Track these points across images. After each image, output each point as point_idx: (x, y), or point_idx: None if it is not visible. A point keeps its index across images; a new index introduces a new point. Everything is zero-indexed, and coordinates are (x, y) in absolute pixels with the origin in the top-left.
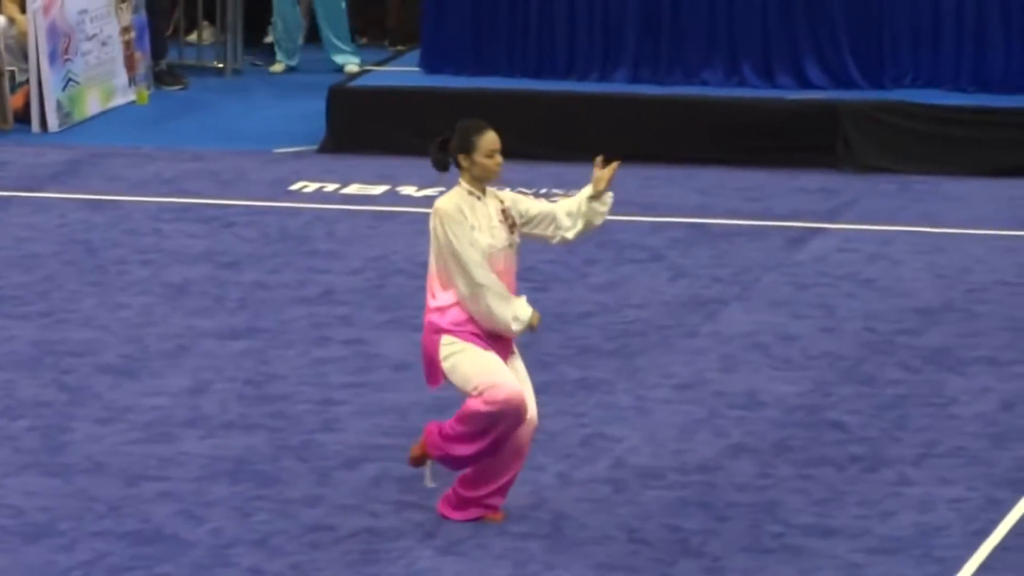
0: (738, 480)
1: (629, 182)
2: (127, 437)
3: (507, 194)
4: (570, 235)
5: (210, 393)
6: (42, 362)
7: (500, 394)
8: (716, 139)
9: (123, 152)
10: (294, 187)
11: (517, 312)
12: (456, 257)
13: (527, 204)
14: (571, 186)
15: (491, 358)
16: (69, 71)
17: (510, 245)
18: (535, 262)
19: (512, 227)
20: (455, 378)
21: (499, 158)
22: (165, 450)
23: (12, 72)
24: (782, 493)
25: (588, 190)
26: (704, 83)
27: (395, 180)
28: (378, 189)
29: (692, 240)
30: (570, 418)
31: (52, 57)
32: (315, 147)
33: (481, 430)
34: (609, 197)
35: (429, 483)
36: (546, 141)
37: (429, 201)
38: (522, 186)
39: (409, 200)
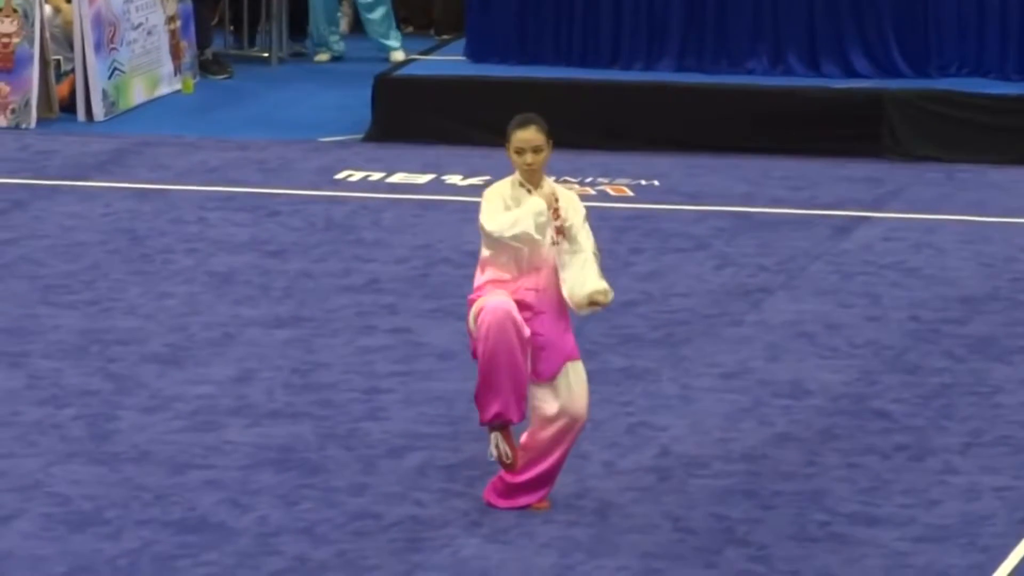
0: (783, 469)
1: (674, 171)
2: (173, 426)
3: (572, 200)
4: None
5: (256, 382)
6: (88, 351)
7: (483, 306)
8: (761, 128)
9: (168, 141)
10: (339, 176)
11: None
12: (482, 229)
13: (577, 228)
14: (617, 175)
15: (495, 294)
16: (115, 60)
17: (554, 243)
18: None
19: (560, 230)
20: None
21: (529, 157)
22: (211, 439)
23: (58, 61)
24: (828, 482)
25: (588, 291)
26: (749, 72)
27: (440, 169)
28: (423, 178)
29: (737, 229)
30: (615, 407)
31: (98, 46)
32: (360, 136)
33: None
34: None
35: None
36: (591, 130)
37: (474, 190)
38: (568, 175)
39: (454, 189)
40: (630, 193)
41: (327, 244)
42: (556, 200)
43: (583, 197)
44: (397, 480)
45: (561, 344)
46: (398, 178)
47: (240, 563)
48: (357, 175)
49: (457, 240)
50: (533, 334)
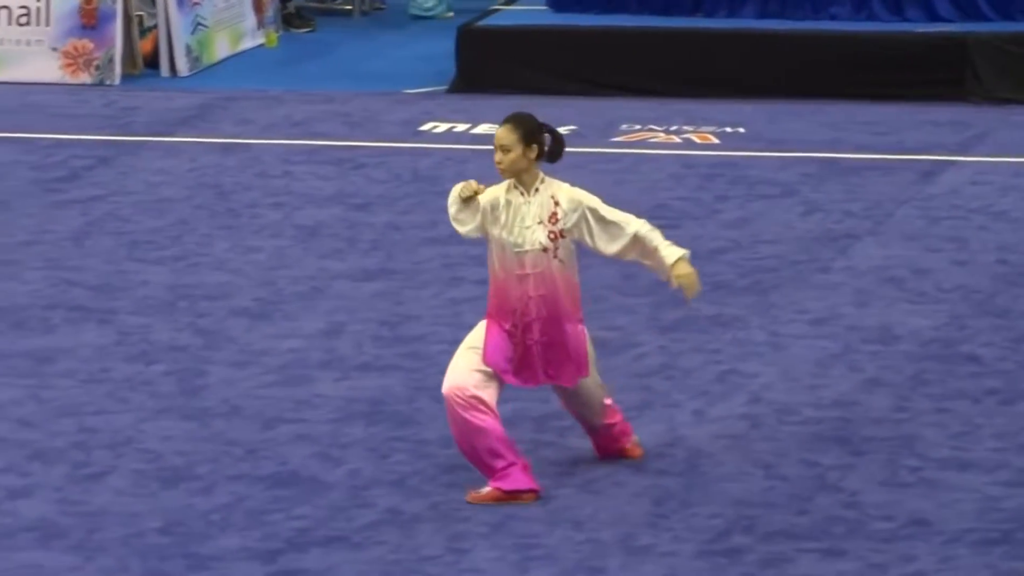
0: (874, 414)
1: (758, 118)
2: (263, 380)
3: (578, 200)
4: (612, 252)
5: (345, 335)
6: (177, 306)
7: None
8: (845, 73)
9: (253, 95)
10: (424, 128)
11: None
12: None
13: (603, 212)
14: (701, 123)
15: (464, 353)
16: (197, 15)
17: (544, 250)
18: (666, 199)
19: (553, 235)
20: None
21: (497, 155)
22: (301, 392)
23: (141, 17)
24: (918, 427)
25: (669, 261)
26: (833, 17)
27: None
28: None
29: (823, 175)
30: (705, 355)
31: (180, 1)
32: (445, 87)
33: None
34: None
35: None
36: (675, 78)
37: None
38: (653, 124)
39: None
40: (715, 141)
41: (413, 196)
42: (557, 205)
43: (668, 145)
44: None
45: (573, 350)
46: (483, 129)
47: (332, 516)
48: (442, 126)
49: None
50: (536, 341)
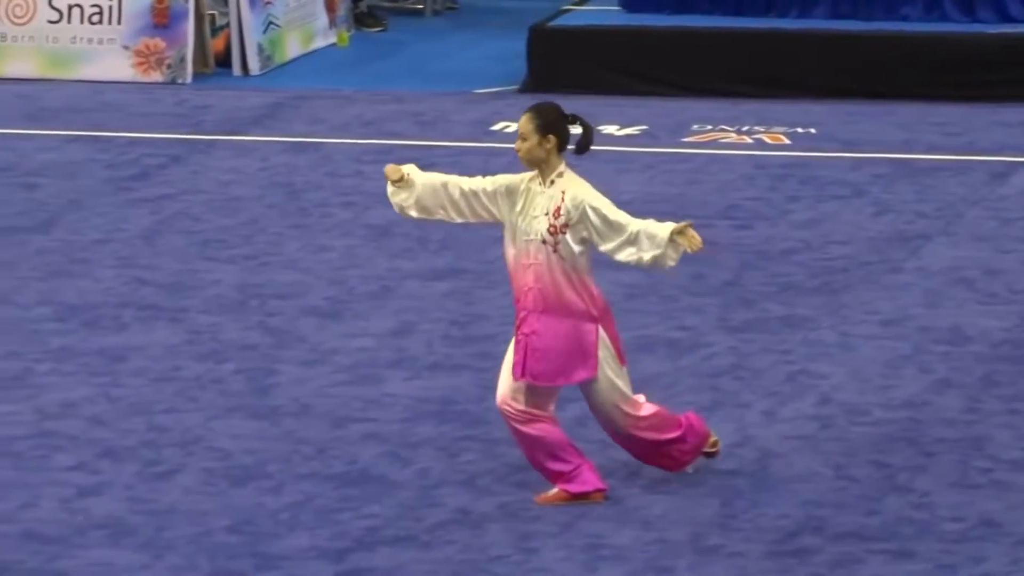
0: (945, 415)
1: (830, 119)
2: (333, 379)
3: (584, 198)
4: (624, 258)
5: (415, 334)
6: (247, 305)
7: None
8: (917, 74)
9: (324, 94)
10: (495, 127)
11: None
12: None
13: (606, 211)
14: (772, 123)
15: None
16: (269, 14)
17: (543, 241)
18: (737, 200)
19: (553, 229)
20: None
21: (517, 142)
22: (371, 391)
23: (213, 16)
24: (990, 428)
25: (666, 232)
26: (904, 18)
27: (596, 119)
28: (579, 128)
29: (895, 175)
30: (775, 355)
31: (252, 0)
32: (516, 87)
33: None
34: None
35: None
36: (747, 79)
37: (632, 140)
38: (724, 124)
39: (610, 139)
40: (787, 141)
41: None
42: (563, 202)
43: (740, 145)
44: None
45: (567, 349)
46: None
47: (402, 515)
48: (513, 126)
49: (613, 190)
50: (528, 333)
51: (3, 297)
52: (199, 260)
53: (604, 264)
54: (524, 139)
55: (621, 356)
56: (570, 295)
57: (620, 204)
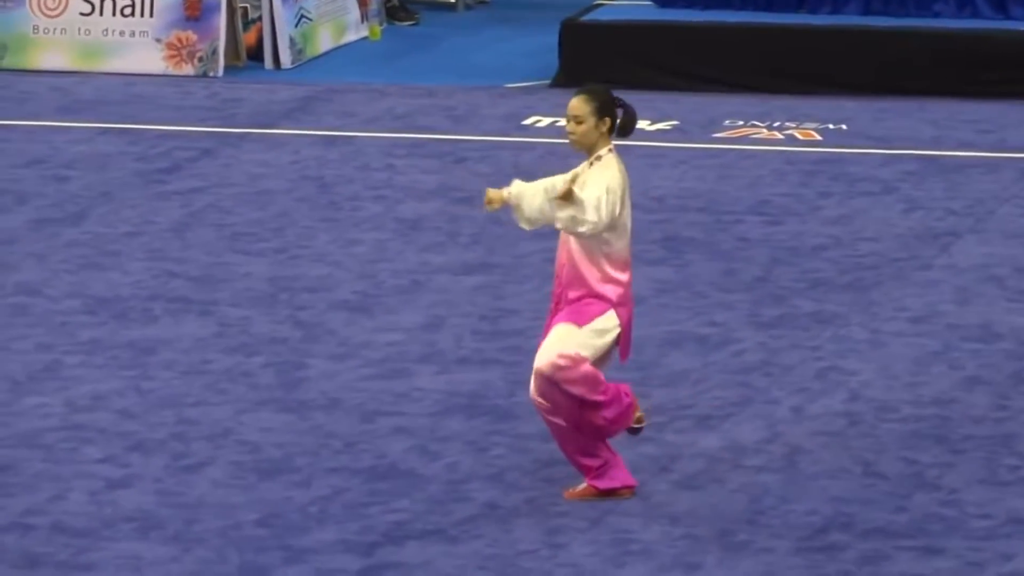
0: (974, 413)
1: (861, 115)
2: (362, 373)
3: (600, 176)
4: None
5: (444, 329)
6: (277, 299)
7: None
8: (948, 71)
9: (356, 88)
10: (527, 122)
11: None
12: None
13: (583, 186)
14: (804, 119)
15: None
16: (301, 8)
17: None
18: (768, 195)
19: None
20: None
21: (570, 125)
22: (400, 386)
23: (245, 9)
24: (1019, 425)
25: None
26: (936, 15)
27: None
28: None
29: (925, 172)
30: (804, 351)
31: None
32: (548, 82)
33: None
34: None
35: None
36: (778, 74)
37: (663, 135)
38: (755, 120)
39: (642, 134)
40: (818, 137)
41: None
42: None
43: (771, 141)
44: None
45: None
46: None
47: (430, 510)
48: (545, 120)
49: (645, 185)
50: (563, 301)
51: (34, 289)
52: (229, 253)
53: (636, 260)
54: (580, 122)
55: (626, 348)
56: (590, 275)
57: (651, 199)
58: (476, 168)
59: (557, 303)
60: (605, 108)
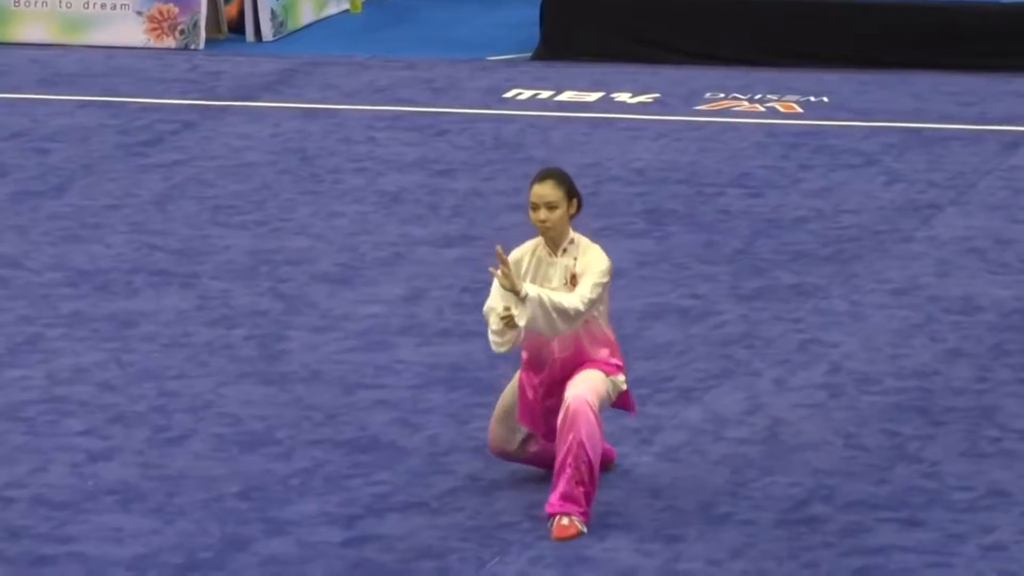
0: (955, 385)
1: (843, 87)
2: (343, 345)
3: (592, 261)
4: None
5: (425, 301)
6: (258, 271)
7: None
8: (930, 43)
9: (337, 61)
10: (508, 95)
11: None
12: None
13: (585, 279)
14: (785, 91)
15: (503, 397)
16: None
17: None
18: (749, 168)
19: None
20: None
21: (542, 213)
22: (381, 358)
23: None
24: (1000, 398)
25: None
26: None
27: (609, 87)
28: (592, 96)
29: (907, 145)
30: (786, 324)
31: None
32: (529, 54)
33: None
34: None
35: None
36: (761, 47)
37: (644, 108)
38: (737, 92)
39: (623, 107)
40: (799, 110)
41: (496, 163)
42: (574, 266)
43: (752, 114)
44: None
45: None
46: (567, 96)
47: (411, 482)
48: (526, 93)
49: (626, 158)
50: (551, 404)
51: (15, 262)
52: (211, 226)
53: (617, 232)
54: (553, 208)
55: (629, 403)
56: (593, 351)
57: (633, 172)
58: (457, 141)
59: (546, 399)
60: (572, 190)
